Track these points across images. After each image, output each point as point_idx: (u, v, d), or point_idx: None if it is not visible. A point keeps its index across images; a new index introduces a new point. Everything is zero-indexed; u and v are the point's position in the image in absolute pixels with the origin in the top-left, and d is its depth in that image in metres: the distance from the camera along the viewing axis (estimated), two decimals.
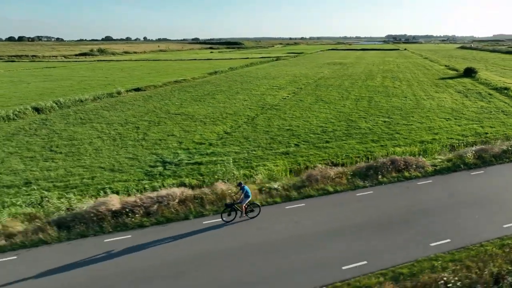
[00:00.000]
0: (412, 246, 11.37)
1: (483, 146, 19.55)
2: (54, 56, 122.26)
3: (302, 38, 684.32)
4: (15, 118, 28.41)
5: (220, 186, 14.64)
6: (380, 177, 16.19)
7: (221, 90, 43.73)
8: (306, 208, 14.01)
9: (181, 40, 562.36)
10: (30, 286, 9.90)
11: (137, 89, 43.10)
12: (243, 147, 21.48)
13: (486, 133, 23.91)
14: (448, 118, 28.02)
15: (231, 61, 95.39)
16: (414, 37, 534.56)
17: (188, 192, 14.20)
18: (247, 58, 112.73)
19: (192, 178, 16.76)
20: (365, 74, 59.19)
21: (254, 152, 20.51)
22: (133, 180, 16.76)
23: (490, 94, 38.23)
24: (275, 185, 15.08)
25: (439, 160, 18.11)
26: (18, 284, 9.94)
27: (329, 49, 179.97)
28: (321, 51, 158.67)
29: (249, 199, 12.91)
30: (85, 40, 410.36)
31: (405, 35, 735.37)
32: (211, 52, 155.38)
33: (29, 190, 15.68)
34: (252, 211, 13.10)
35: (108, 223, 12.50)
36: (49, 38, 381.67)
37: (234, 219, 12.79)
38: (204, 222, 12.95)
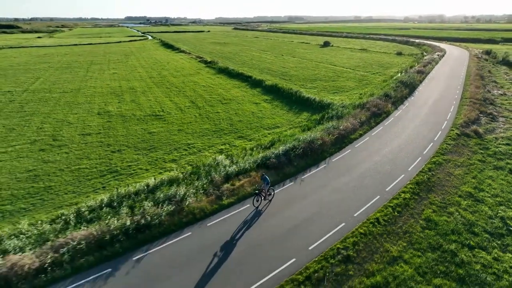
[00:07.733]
0: None
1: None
2: None
3: (33, 19, 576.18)
4: None
5: None
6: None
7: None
8: None
9: None
10: None
11: None
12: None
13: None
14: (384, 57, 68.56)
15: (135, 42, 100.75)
16: (167, 19, 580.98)
17: None
18: (120, 41, 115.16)
19: None
20: (287, 47, 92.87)
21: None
22: None
23: (361, 51, 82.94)
24: None
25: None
26: None
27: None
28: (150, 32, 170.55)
29: (269, 185, 16.81)
30: None
31: (145, 16, 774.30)
32: (39, 38, 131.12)
33: None
34: (270, 194, 17.14)
35: None
36: None
37: (260, 203, 16.75)
38: None
